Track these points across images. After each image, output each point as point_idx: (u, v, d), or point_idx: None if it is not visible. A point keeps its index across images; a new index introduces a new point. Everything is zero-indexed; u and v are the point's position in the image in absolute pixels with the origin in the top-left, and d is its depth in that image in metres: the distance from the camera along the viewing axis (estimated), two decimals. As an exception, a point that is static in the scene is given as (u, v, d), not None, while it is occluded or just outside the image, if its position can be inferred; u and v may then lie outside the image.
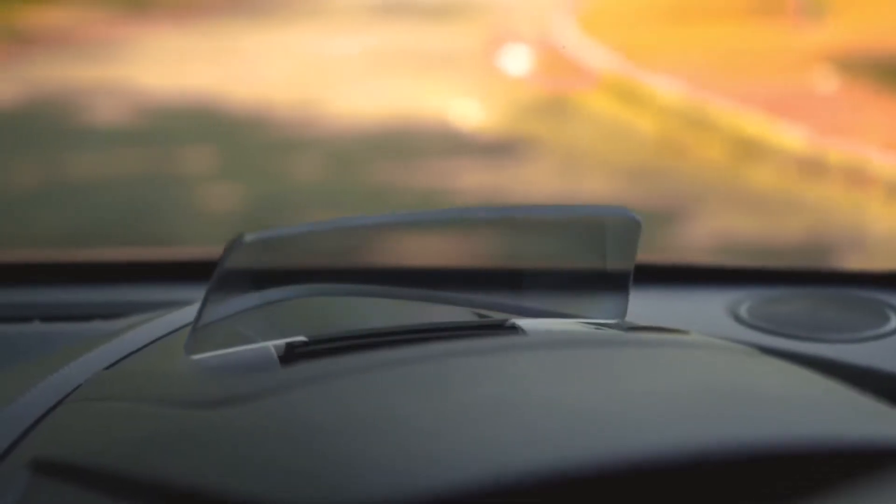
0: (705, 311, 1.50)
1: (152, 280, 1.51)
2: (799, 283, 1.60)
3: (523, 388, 0.83)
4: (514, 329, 0.96)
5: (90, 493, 0.82)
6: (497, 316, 1.02)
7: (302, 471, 0.75)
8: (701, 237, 4.33)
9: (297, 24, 8.68)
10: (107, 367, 1.02)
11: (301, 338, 0.94)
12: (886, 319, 1.51)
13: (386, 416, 0.79)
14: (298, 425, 0.80)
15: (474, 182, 5.11)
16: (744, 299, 1.53)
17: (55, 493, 0.85)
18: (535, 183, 5.16)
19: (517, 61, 7.69)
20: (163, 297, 1.38)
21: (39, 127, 6.03)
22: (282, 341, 0.93)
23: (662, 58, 7.15)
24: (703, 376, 0.86)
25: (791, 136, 5.49)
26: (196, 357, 0.93)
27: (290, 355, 0.91)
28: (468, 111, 6.53)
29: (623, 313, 1.01)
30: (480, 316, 1.04)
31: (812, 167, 5.23)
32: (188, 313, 1.04)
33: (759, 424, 0.78)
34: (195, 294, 0.97)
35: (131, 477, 0.81)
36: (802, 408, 0.84)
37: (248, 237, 0.90)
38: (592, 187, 5.01)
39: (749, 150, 5.55)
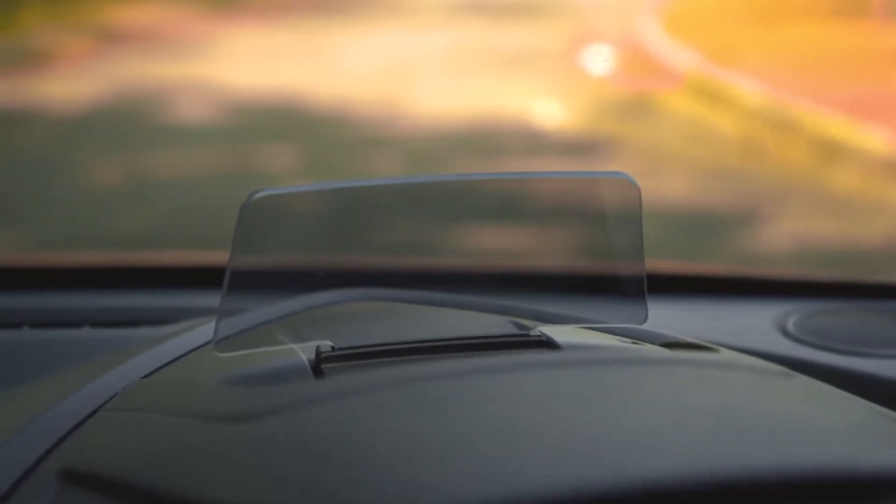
0: (752, 324, 1.49)
1: (203, 285, 1.51)
2: (849, 296, 1.58)
3: (549, 408, 0.83)
4: (544, 343, 0.96)
5: None
6: (526, 321, 1.01)
7: (327, 487, 0.76)
8: (781, 240, 4.29)
9: (380, 21, 8.70)
10: (144, 376, 1.02)
11: (329, 344, 0.94)
12: None
13: (414, 433, 0.80)
14: (328, 441, 0.80)
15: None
16: (792, 312, 1.51)
17: None
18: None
19: (600, 61, 7.67)
20: (213, 303, 1.39)
21: (125, 124, 6.09)
22: (313, 344, 0.94)
23: (745, 58, 7.10)
24: (729, 399, 0.85)
25: (874, 139, 5.43)
26: (230, 367, 0.94)
27: (323, 367, 0.92)
28: (550, 110, 6.52)
29: (644, 315, 1.00)
30: (512, 322, 1.03)
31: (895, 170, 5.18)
32: None
33: (782, 450, 0.78)
34: None
35: (158, 491, 0.81)
36: (830, 433, 0.83)
37: (259, 194, 0.90)
38: (674, 187, 4.98)
39: (832, 152, 5.49)
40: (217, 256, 1.64)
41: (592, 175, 1.00)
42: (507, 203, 1.03)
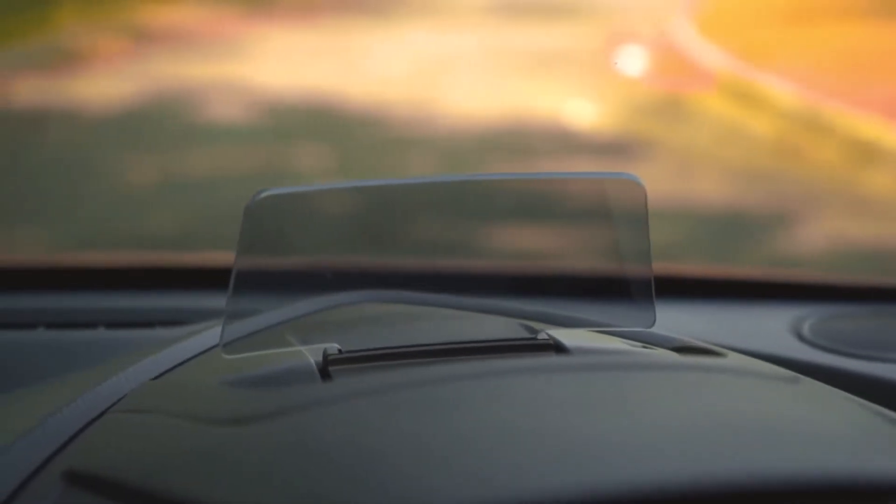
0: (768, 327, 1.48)
1: (219, 286, 1.50)
2: (865, 300, 1.57)
3: (557, 412, 0.82)
4: (553, 346, 0.96)
5: None
6: (534, 324, 1.01)
7: (333, 489, 0.76)
8: (812, 241, 4.28)
9: (411, 22, 8.71)
10: (154, 378, 1.02)
11: (337, 346, 0.94)
12: None
13: (421, 437, 0.79)
14: (334, 444, 0.80)
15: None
16: (807, 316, 1.51)
17: None
18: (649, 183, 5.13)
19: (633, 61, 7.66)
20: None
21: (157, 124, 6.11)
22: (320, 347, 0.93)
23: (779, 59, 7.08)
24: (735, 404, 0.85)
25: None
26: (238, 369, 0.93)
27: (330, 369, 0.92)
28: (583, 110, 6.52)
29: (651, 319, 0.99)
30: (521, 325, 1.03)
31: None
32: None
33: (786, 455, 0.77)
34: None
35: (162, 493, 0.81)
36: (835, 438, 0.82)
37: (264, 193, 0.90)
38: (706, 188, 4.97)
39: (865, 153, 5.47)
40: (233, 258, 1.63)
41: (598, 176, 1.00)
42: (513, 204, 1.03)
